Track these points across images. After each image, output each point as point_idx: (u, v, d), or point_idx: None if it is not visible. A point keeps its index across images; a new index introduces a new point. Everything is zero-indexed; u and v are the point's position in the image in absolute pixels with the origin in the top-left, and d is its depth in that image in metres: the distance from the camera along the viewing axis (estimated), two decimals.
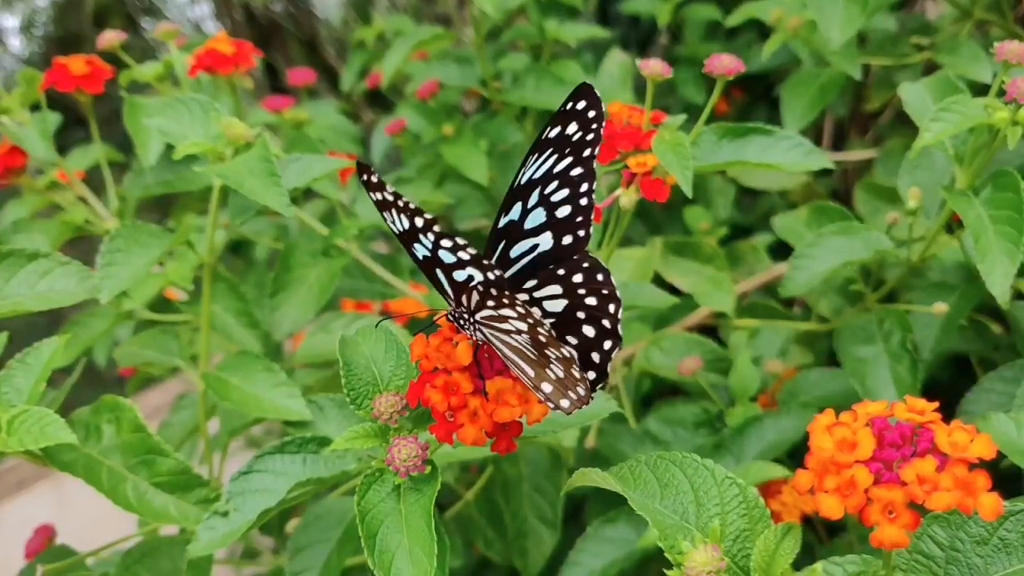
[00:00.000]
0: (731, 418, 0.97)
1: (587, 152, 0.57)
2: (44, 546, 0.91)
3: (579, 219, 0.58)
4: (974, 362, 1.05)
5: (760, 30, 1.64)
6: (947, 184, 0.86)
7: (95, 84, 1.00)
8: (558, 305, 0.57)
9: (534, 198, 0.58)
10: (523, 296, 0.58)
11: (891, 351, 0.88)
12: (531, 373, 0.53)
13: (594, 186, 0.58)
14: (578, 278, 0.57)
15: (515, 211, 0.58)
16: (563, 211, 0.58)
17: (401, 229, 0.55)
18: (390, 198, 0.53)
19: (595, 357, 0.57)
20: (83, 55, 1.01)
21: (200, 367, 0.83)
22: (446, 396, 0.54)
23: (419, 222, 0.53)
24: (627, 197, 0.78)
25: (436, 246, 0.54)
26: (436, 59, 1.47)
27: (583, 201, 0.58)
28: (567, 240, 0.58)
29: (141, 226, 0.75)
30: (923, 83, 0.87)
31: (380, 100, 2.08)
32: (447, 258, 0.54)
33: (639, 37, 1.95)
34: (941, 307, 0.87)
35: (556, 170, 0.58)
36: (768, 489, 0.91)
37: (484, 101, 1.48)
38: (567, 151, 0.57)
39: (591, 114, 0.57)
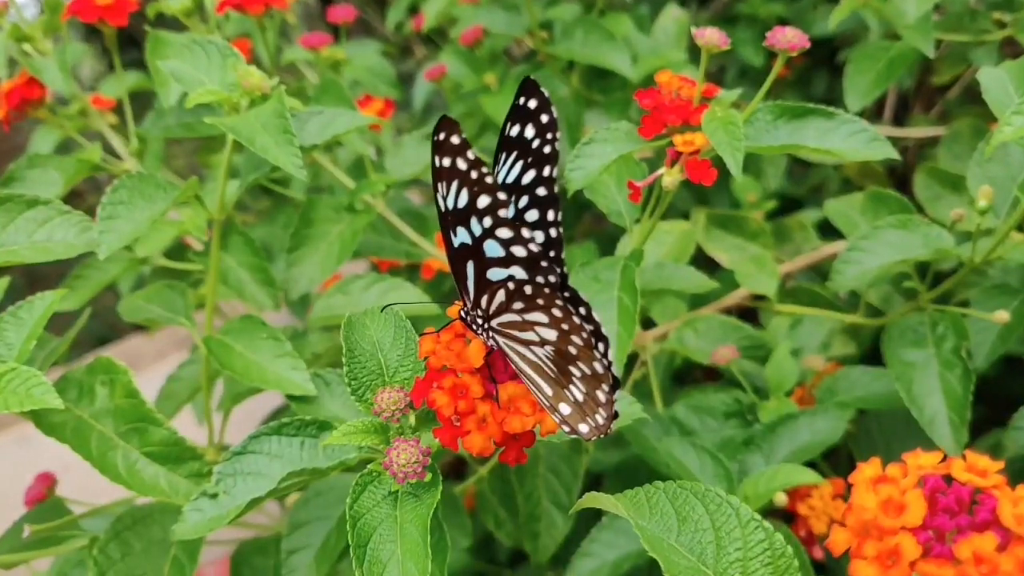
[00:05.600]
0: (764, 413, 0.91)
1: (547, 170, 0.49)
2: (44, 495, 0.89)
3: (551, 253, 0.50)
4: None
5: None
6: (1023, 182, 0.79)
7: (118, 16, 0.95)
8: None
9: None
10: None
11: (942, 357, 0.82)
12: (548, 392, 0.48)
13: (559, 216, 0.50)
14: (557, 312, 0.48)
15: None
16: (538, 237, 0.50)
17: (451, 206, 0.47)
18: (463, 167, 0.45)
19: None
20: None
21: (206, 329, 0.79)
22: (453, 399, 0.50)
23: (484, 201, 0.46)
24: (670, 177, 0.72)
25: (488, 234, 0.47)
26: (485, 3, 1.40)
27: (552, 232, 0.50)
28: (540, 279, 0.49)
29: (146, 177, 0.71)
30: (1005, 68, 0.79)
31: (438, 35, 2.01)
32: (493, 251, 0.47)
33: None
34: (1003, 315, 0.80)
35: (524, 182, 0.50)
36: (797, 491, 0.86)
37: (533, 50, 1.41)
38: (530, 160, 0.50)
39: (544, 119, 0.49)
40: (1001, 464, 0.39)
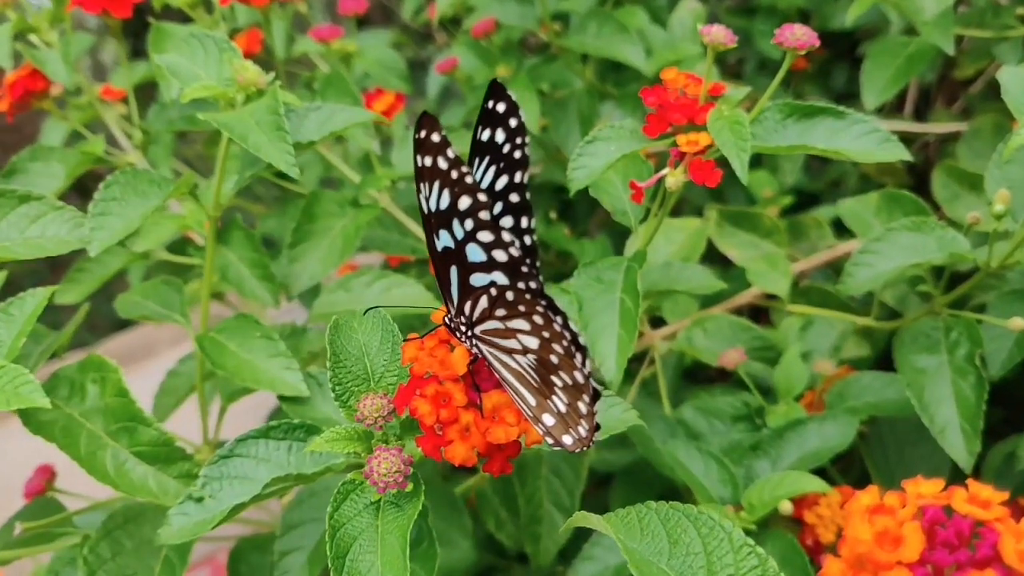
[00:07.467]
0: (772, 417, 0.89)
1: (519, 176, 0.48)
2: (43, 488, 0.88)
3: (528, 260, 0.47)
4: None
5: None
6: None
7: (122, 7, 0.93)
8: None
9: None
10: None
11: (955, 365, 0.80)
12: (532, 402, 0.46)
13: (533, 224, 0.48)
14: (538, 319, 0.47)
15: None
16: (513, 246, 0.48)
17: (434, 208, 0.46)
18: (444, 166, 0.44)
19: None
20: None
21: (201, 327, 0.78)
22: (436, 407, 0.48)
23: (465, 203, 0.45)
24: (674, 178, 0.70)
25: (470, 237, 0.46)
26: None
27: (527, 240, 0.49)
28: (521, 285, 0.48)
29: (141, 173, 0.69)
30: None
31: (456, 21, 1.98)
32: (475, 255, 0.46)
33: None
34: (1019, 323, 0.77)
35: (497, 188, 0.49)
36: (805, 499, 0.84)
37: (547, 42, 1.39)
38: (502, 165, 0.49)
39: (512, 123, 0.48)
40: (1005, 495, 0.37)
